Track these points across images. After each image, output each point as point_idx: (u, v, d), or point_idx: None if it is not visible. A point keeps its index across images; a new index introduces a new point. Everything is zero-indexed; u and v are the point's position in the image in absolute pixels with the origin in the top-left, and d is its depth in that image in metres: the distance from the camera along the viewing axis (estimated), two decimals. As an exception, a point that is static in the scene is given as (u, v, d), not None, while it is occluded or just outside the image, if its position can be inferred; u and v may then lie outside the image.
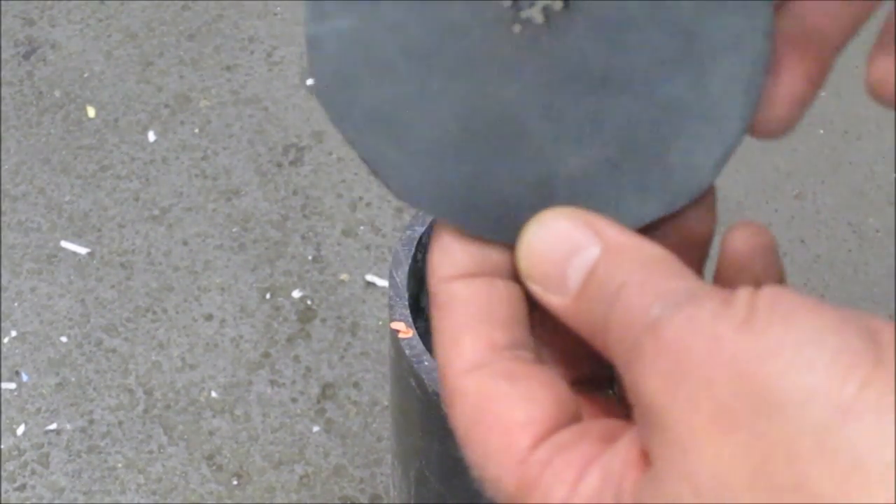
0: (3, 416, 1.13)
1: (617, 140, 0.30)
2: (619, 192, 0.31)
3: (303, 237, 1.25)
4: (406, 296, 0.72)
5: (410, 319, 0.71)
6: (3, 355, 1.17)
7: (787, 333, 0.24)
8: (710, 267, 0.32)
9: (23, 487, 1.09)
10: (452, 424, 0.30)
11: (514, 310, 0.31)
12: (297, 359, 1.17)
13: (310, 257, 1.23)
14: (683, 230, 0.32)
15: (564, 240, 0.29)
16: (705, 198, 0.32)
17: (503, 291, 0.31)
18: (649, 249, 0.28)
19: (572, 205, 0.30)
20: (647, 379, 0.26)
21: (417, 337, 0.70)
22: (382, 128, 0.31)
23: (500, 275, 0.31)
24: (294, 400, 1.14)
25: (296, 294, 1.21)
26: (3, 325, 1.19)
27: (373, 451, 1.11)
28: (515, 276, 0.31)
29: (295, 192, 1.28)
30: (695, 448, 0.24)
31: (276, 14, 1.44)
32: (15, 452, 1.11)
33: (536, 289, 0.30)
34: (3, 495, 1.09)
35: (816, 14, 0.32)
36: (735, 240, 0.31)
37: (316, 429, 1.12)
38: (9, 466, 1.10)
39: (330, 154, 1.31)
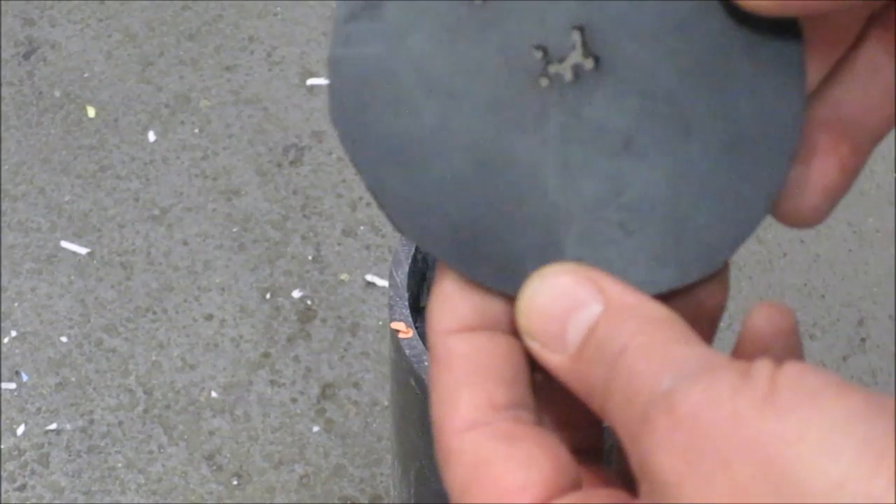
0: (3, 416, 1.13)
1: (633, 206, 0.30)
2: (630, 259, 0.30)
3: (303, 237, 1.25)
4: (406, 296, 0.72)
5: (410, 319, 0.71)
6: (3, 355, 1.17)
7: (811, 417, 0.23)
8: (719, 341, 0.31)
9: (23, 487, 1.09)
10: (446, 485, 0.29)
11: (516, 367, 0.29)
12: (297, 359, 1.17)
13: (310, 257, 1.23)
14: (693, 301, 0.31)
15: (565, 295, 0.28)
16: (719, 272, 0.31)
17: (504, 347, 0.29)
18: (653, 310, 0.27)
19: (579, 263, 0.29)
20: (660, 455, 0.24)
21: (417, 337, 0.70)
22: (394, 160, 0.29)
23: (501, 329, 0.30)
24: (294, 400, 1.14)
25: (296, 294, 1.21)
26: (3, 325, 1.19)
27: (373, 451, 1.11)
28: (517, 332, 0.29)
29: (295, 192, 1.28)
30: None
31: (276, 14, 1.44)
32: (15, 452, 1.11)
33: (535, 345, 0.29)
34: (3, 495, 1.09)
35: (854, 103, 0.31)
36: (758, 319, 0.29)
37: (316, 429, 1.12)
38: (9, 466, 1.10)
39: (330, 154, 1.31)
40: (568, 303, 0.28)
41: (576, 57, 0.30)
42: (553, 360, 0.28)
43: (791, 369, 0.24)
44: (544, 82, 0.29)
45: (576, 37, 0.29)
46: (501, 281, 0.29)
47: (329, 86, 0.29)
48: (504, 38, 0.29)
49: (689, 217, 0.30)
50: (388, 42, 0.29)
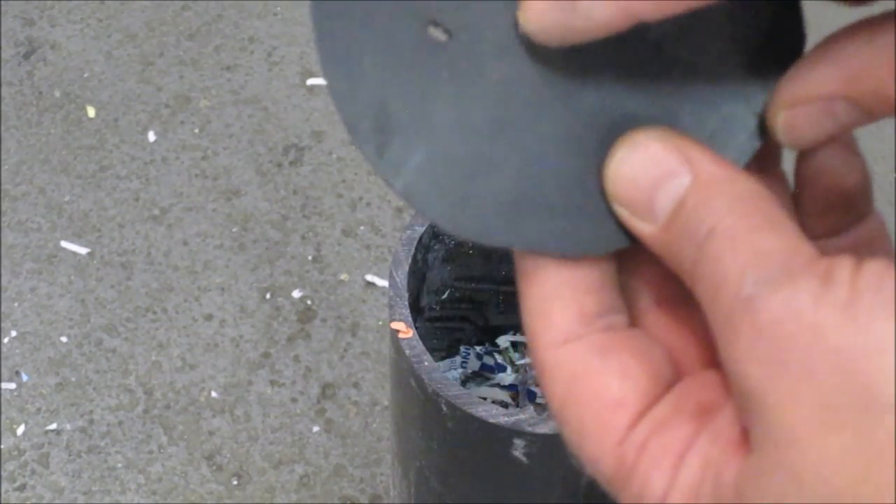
0: (3, 416, 1.13)
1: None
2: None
3: (303, 237, 1.25)
4: (406, 296, 0.72)
5: (410, 319, 0.71)
6: (3, 355, 1.17)
7: (892, 326, 0.23)
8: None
9: (23, 487, 1.09)
10: (545, 397, 0.29)
11: (603, 272, 0.29)
12: (297, 359, 1.17)
13: (310, 257, 1.23)
14: (821, 178, 0.30)
15: (654, 164, 0.28)
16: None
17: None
18: (743, 186, 0.27)
19: None
20: (745, 363, 0.24)
21: (417, 337, 0.70)
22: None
23: None
24: (294, 400, 1.14)
25: (296, 294, 1.21)
26: (3, 325, 1.19)
27: (373, 451, 1.11)
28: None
29: (295, 192, 1.28)
30: (798, 444, 0.23)
31: (276, 14, 1.44)
32: (15, 452, 1.11)
33: (623, 212, 0.28)
34: (3, 495, 1.09)
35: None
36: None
37: (316, 429, 1.12)
38: (9, 466, 1.10)
39: (330, 154, 1.31)
40: (656, 172, 0.28)
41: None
42: (642, 228, 0.28)
43: (871, 272, 0.24)
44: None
45: None
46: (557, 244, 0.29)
47: (411, 203, 0.29)
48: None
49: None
50: (428, 146, 0.29)
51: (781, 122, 0.28)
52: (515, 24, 0.28)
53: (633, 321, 0.30)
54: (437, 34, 0.28)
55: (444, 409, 0.69)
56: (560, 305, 0.29)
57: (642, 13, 0.26)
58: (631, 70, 0.29)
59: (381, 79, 0.29)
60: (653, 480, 0.26)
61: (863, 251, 0.31)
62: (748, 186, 0.27)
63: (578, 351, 0.28)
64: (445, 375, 0.69)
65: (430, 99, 0.29)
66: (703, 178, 0.27)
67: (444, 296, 0.86)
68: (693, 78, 0.29)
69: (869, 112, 0.27)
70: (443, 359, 0.92)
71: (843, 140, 0.30)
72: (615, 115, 0.29)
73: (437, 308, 0.87)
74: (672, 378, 0.28)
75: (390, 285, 0.73)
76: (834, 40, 0.27)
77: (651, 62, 0.29)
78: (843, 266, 0.24)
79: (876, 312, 0.23)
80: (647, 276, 0.30)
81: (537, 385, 0.92)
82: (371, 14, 0.28)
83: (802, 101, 0.28)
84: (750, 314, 0.24)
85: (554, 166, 0.29)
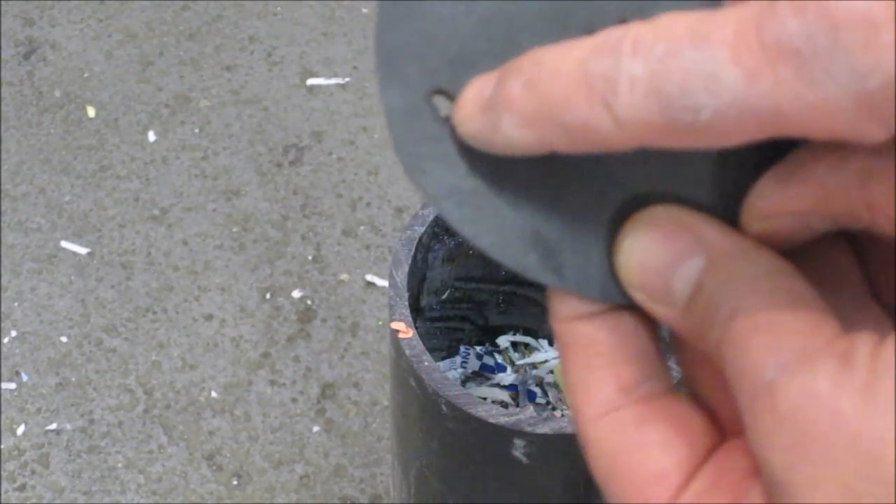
0: (3, 416, 1.13)
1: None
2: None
3: (303, 237, 1.25)
4: (406, 296, 0.72)
5: (410, 319, 0.71)
6: (3, 355, 1.17)
7: None
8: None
9: (23, 487, 1.09)
10: (591, 470, 0.29)
11: (643, 340, 0.29)
12: (297, 359, 1.17)
13: (310, 257, 1.23)
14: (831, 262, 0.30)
15: (664, 248, 0.27)
16: None
17: (629, 323, 0.29)
18: (760, 260, 0.26)
19: None
20: (768, 449, 0.24)
21: (417, 337, 0.70)
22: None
23: (623, 307, 0.29)
24: (294, 400, 1.14)
25: (296, 294, 1.21)
26: (3, 325, 1.19)
27: (373, 451, 1.11)
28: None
29: (295, 192, 1.28)
30: None
31: (276, 14, 1.44)
32: (15, 452, 1.11)
33: (640, 298, 0.28)
34: (3, 495, 1.09)
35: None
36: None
37: (316, 429, 1.12)
38: (9, 466, 1.10)
39: (330, 154, 1.31)
40: (668, 256, 0.27)
41: None
42: (662, 312, 0.28)
43: (890, 350, 0.23)
44: None
45: None
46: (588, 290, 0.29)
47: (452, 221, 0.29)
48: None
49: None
50: (484, 176, 0.29)
51: (757, 232, 0.28)
52: None
53: (686, 374, 0.30)
54: None
55: (444, 409, 0.69)
56: (598, 377, 0.29)
57: (556, 145, 0.26)
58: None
59: (521, 213, 0.29)
60: None
61: None
62: (766, 261, 0.26)
63: (617, 423, 0.28)
64: (445, 375, 0.69)
65: (555, 199, 0.29)
66: (718, 257, 0.27)
67: (444, 296, 0.86)
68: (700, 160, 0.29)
69: (845, 225, 0.27)
70: (443, 359, 0.92)
71: None
72: (628, 192, 0.29)
73: (437, 308, 0.87)
74: (713, 443, 0.28)
75: (390, 285, 0.73)
76: (802, 159, 0.27)
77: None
78: (863, 345, 0.24)
79: (893, 394, 0.23)
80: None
81: (537, 385, 0.92)
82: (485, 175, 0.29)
83: (775, 216, 0.27)
84: (770, 400, 0.24)
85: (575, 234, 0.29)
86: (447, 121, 0.28)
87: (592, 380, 0.29)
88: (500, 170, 0.29)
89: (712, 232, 0.27)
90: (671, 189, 0.29)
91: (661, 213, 0.28)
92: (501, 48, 0.28)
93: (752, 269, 0.26)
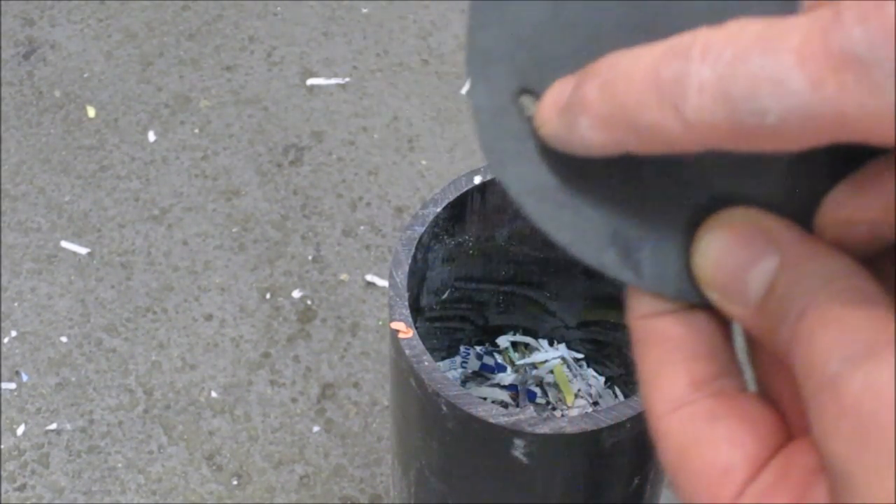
0: (3, 416, 1.13)
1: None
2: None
3: (303, 237, 1.25)
4: (406, 296, 0.72)
5: (410, 319, 0.71)
6: (3, 355, 1.17)
7: None
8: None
9: (23, 487, 1.09)
10: (663, 465, 0.30)
11: (716, 339, 0.30)
12: (297, 359, 1.17)
13: (310, 257, 1.23)
14: None
15: (739, 248, 0.28)
16: None
17: (704, 321, 0.30)
18: (832, 262, 0.27)
19: None
20: (831, 441, 0.25)
21: (417, 337, 0.70)
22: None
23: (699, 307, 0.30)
24: (294, 400, 1.14)
25: (296, 294, 1.21)
26: (3, 325, 1.19)
27: (373, 451, 1.11)
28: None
29: (295, 192, 1.28)
30: None
31: (276, 14, 1.44)
32: (15, 452, 1.11)
33: (715, 297, 0.29)
34: (3, 495, 1.09)
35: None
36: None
37: (316, 429, 1.12)
38: (9, 466, 1.10)
39: (330, 154, 1.31)
40: (743, 257, 0.28)
41: None
42: (736, 312, 0.29)
43: None
44: None
45: None
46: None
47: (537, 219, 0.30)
48: None
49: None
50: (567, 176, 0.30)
51: (830, 239, 0.28)
52: None
53: (757, 375, 0.31)
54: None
55: (444, 409, 0.69)
56: (671, 372, 0.29)
57: (629, 146, 0.27)
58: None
59: (600, 212, 0.30)
60: None
61: None
62: (838, 263, 0.27)
63: (688, 418, 0.29)
64: (445, 375, 0.69)
65: (634, 199, 0.30)
66: (792, 258, 0.27)
67: (444, 296, 0.86)
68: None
69: None
70: (443, 359, 0.92)
71: None
72: (705, 194, 0.30)
73: (437, 308, 0.87)
74: (780, 441, 0.29)
75: (390, 285, 0.73)
76: (879, 168, 0.28)
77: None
78: None
79: None
80: None
81: (537, 385, 0.92)
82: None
83: (849, 223, 0.28)
84: (834, 392, 0.25)
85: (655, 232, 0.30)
86: (531, 120, 0.29)
87: (666, 375, 0.29)
88: (580, 169, 0.29)
89: (787, 234, 0.28)
90: (748, 192, 0.29)
91: (737, 215, 0.29)
92: (585, 51, 0.29)
93: (824, 270, 0.27)
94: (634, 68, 0.26)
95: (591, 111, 0.27)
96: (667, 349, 0.29)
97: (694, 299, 0.30)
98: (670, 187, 0.30)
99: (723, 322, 0.30)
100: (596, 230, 0.30)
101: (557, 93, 0.28)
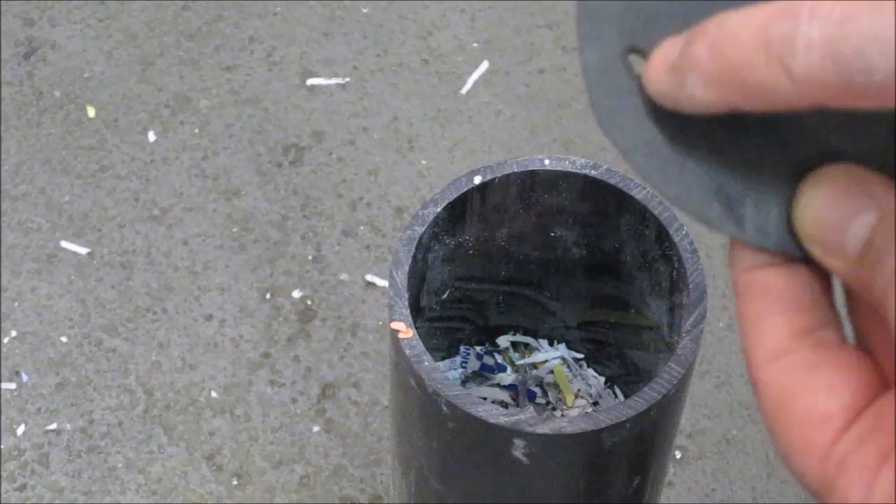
0: (3, 416, 1.13)
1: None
2: None
3: (303, 237, 1.25)
4: (406, 296, 0.72)
5: (410, 319, 0.71)
6: (3, 355, 1.17)
7: None
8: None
9: (23, 487, 1.09)
10: (760, 412, 0.30)
11: (816, 291, 0.31)
12: (297, 359, 1.17)
13: (310, 257, 1.23)
14: None
15: (840, 203, 0.29)
16: None
17: (804, 274, 0.31)
18: None
19: None
20: None
21: (417, 337, 0.70)
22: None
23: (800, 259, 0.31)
24: (294, 400, 1.14)
25: (296, 294, 1.21)
26: (3, 325, 1.19)
27: (373, 451, 1.11)
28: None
29: (295, 192, 1.28)
30: None
31: (276, 14, 1.44)
32: (15, 452, 1.11)
33: (816, 251, 0.30)
34: (3, 495, 1.09)
35: None
36: None
37: (316, 429, 1.12)
38: (9, 466, 1.10)
39: (330, 154, 1.31)
40: (844, 211, 0.29)
41: None
42: (835, 265, 0.29)
43: None
44: None
45: None
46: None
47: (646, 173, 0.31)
48: None
49: None
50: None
51: None
52: None
53: (856, 327, 0.32)
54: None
55: (444, 409, 0.69)
56: (772, 323, 0.30)
57: (738, 104, 0.28)
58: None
59: (705, 167, 0.31)
60: (850, 494, 0.28)
61: None
62: None
63: (787, 367, 0.30)
64: (445, 375, 0.69)
65: (738, 155, 0.31)
66: (889, 214, 0.28)
67: (444, 296, 0.86)
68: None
69: None
70: (443, 359, 0.93)
71: None
72: (807, 150, 0.31)
73: (437, 308, 0.87)
74: (877, 390, 0.29)
75: (390, 285, 0.73)
76: None
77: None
78: None
79: None
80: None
81: (537, 385, 0.92)
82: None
83: None
84: None
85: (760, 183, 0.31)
86: (639, 78, 0.31)
87: (767, 326, 0.30)
88: (686, 126, 0.31)
89: (885, 191, 0.29)
90: (850, 149, 0.30)
91: (838, 172, 0.30)
92: (693, 11, 0.30)
93: None
94: (743, 28, 0.27)
95: (700, 69, 0.28)
96: (768, 301, 0.30)
97: (795, 252, 0.30)
98: (773, 144, 0.31)
99: (823, 275, 0.31)
100: (701, 185, 0.31)
101: (666, 52, 0.29)
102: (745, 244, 0.31)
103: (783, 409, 0.29)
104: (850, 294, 0.32)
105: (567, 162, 0.77)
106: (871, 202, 0.29)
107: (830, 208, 0.29)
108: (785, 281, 0.31)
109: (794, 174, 0.31)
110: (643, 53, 0.31)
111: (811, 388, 0.29)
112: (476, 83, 1.37)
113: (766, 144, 0.31)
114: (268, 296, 1.21)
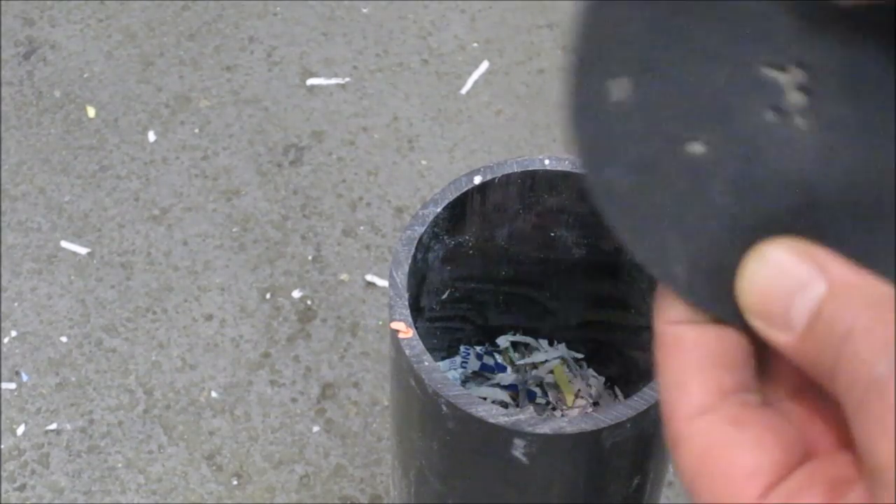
0: (3, 416, 1.13)
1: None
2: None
3: (303, 237, 1.25)
4: (406, 296, 0.72)
5: (410, 319, 0.71)
6: (3, 355, 1.17)
7: None
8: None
9: (23, 487, 1.09)
10: (677, 469, 0.30)
11: (742, 352, 0.30)
12: (297, 359, 1.17)
13: (310, 257, 1.23)
14: None
15: (787, 275, 0.29)
16: None
17: (734, 337, 0.30)
18: (877, 289, 0.28)
19: None
20: (874, 439, 0.25)
21: (417, 337, 0.70)
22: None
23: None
24: (294, 400, 1.14)
25: (296, 294, 1.21)
26: (3, 325, 1.19)
27: (373, 451, 1.11)
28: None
29: (295, 192, 1.28)
30: None
31: (276, 14, 1.44)
32: (15, 452, 1.11)
33: (759, 324, 0.29)
34: (3, 495, 1.09)
35: None
36: None
37: (316, 429, 1.12)
38: (9, 466, 1.10)
39: (330, 154, 1.31)
40: (790, 283, 0.29)
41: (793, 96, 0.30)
42: (779, 338, 0.29)
43: None
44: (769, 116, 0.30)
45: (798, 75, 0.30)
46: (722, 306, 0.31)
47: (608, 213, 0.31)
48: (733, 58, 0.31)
49: None
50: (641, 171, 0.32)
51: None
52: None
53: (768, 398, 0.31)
54: (695, 147, 0.31)
55: (444, 409, 0.69)
56: (699, 379, 0.30)
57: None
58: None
59: (663, 225, 0.31)
60: None
61: None
62: (882, 290, 0.28)
63: (715, 422, 0.29)
64: (446, 375, 0.69)
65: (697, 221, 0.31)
66: (838, 285, 0.28)
67: (444, 296, 0.86)
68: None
69: None
70: (443, 359, 0.92)
71: None
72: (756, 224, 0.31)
73: (437, 308, 0.87)
74: (804, 454, 0.29)
75: (390, 285, 0.73)
76: None
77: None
78: None
79: None
80: (783, 368, 0.31)
81: (537, 385, 0.92)
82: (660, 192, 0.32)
83: None
84: (880, 392, 0.25)
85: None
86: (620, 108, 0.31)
87: (694, 380, 0.30)
88: (657, 176, 0.31)
89: (833, 262, 0.28)
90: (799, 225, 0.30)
91: (784, 244, 0.29)
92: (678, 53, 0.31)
93: (870, 294, 0.27)
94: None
95: None
96: (697, 356, 0.30)
97: (734, 321, 0.30)
98: (732, 209, 0.30)
99: (751, 339, 0.30)
100: (653, 233, 0.31)
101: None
102: (679, 299, 0.31)
103: (709, 464, 0.29)
104: (776, 367, 0.31)
105: (567, 162, 0.77)
106: (820, 274, 0.28)
107: (776, 281, 0.29)
108: (715, 340, 0.30)
109: (740, 244, 0.30)
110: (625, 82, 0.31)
111: (740, 442, 0.29)
112: (476, 83, 1.37)
113: (726, 209, 0.30)
114: (268, 296, 1.21)
